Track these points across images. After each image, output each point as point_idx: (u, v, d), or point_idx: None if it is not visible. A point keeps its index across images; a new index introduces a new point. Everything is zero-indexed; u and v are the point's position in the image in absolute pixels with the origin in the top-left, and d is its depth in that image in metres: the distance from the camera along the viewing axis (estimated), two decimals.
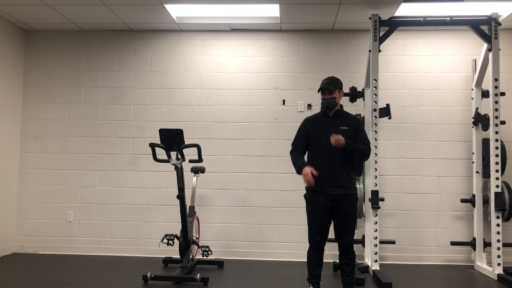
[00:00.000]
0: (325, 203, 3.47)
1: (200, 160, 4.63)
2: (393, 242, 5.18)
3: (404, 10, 4.98)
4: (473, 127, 5.26)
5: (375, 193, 4.66)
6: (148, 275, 4.25)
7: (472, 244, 5.14)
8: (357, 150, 3.48)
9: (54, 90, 5.80)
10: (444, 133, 5.48)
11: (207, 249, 4.92)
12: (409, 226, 5.42)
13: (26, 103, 5.80)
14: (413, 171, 5.47)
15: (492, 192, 4.69)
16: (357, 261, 4.21)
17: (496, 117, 4.68)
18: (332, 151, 3.48)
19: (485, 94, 5.15)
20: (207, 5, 4.99)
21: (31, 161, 5.74)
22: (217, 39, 5.74)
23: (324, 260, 3.57)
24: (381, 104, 4.92)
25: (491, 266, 4.71)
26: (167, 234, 4.87)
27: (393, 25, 4.85)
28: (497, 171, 4.67)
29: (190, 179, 5.08)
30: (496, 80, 4.71)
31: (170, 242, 4.80)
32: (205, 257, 5.00)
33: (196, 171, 5.04)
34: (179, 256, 4.76)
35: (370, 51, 4.89)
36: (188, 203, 4.81)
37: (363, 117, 5.19)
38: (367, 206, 4.94)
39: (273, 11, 5.09)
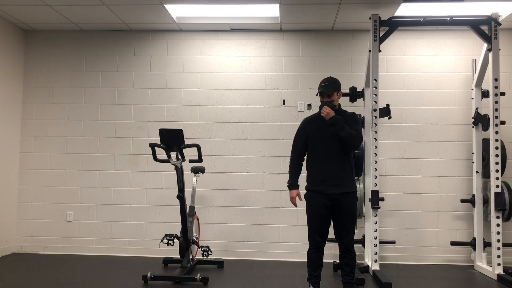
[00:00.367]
0: (325, 203, 3.47)
1: (200, 160, 4.63)
2: (393, 242, 5.18)
3: (404, 10, 4.98)
4: (473, 127, 5.26)
5: (375, 193, 4.66)
6: (148, 275, 4.25)
7: (472, 244, 5.14)
8: (347, 131, 3.44)
9: (54, 90, 5.80)
10: (444, 133, 5.48)
11: (207, 249, 4.92)
12: (409, 226, 5.42)
13: (26, 103, 5.80)
14: (413, 171, 5.47)
15: (492, 192, 4.69)
16: (357, 261, 4.20)
17: (496, 117, 4.68)
18: (331, 151, 3.49)
19: (485, 94, 5.15)
20: (207, 5, 4.99)
21: (31, 161, 5.74)
22: (217, 39, 5.74)
23: (324, 260, 3.57)
24: (381, 104, 4.92)
25: (491, 266, 4.71)
26: (167, 234, 4.87)
27: (393, 25, 4.85)
28: (497, 171, 4.67)
29: (190, 179, 5.08)
30: (496, 80, 4.71)
31: (170, 242, 4.80)
32: (205, 257, 5.00)
33: (196, 171, 5.04)
34: (179, 256, 4.76)
35: (370, 51, 4.89)
36: (188, 203, 4.81)
37: (363, 117, 5.19)
38: (367, 206, 4.95)
39: (273, 11, 5.09)
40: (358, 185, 5.05)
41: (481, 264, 4.99)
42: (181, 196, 4.52)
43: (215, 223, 5.56)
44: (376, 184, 4.68)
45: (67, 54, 5.82)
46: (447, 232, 5.39)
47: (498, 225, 4.63)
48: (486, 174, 5.08)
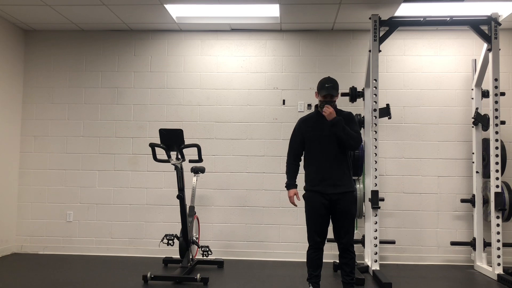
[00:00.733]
0: (323, 203, 3.47)
1: (200, 160, 4.63)
2: (393, 242, 5.18)
3: (404, 10, 4.98)
4: (473, 127, 5.26)
5: (375, 193, 4.66)
6: (148, 275, 4.25)
7: (472, 244, 5.14)
8: (348, 131, 3.43)
9: (54, 90, 5.80)
10: (444, 133, 5.48)
11: (207, 249, 4.92)
12: (409, 226, 5.42)
13: (26, 103, 5.80)
14: (413, 171, 5.47)
15: (492, 192, 4.69)
16: (357, 261, 4.21)
17: (496, 117, 4.67)
18: (328, 150, 3.48)
19: (485, 94, 5.15)
20: (207, 5, 4.99)
21: (31, 161, 5.74)
22: (217, 39, 5.74)
23: (324, 260, 3.57)
24: (381, 104, 4.92)
25: (491, 266, 4.71)
26: (167, 234, 4.87)
27: (393, 25, 4.85)
28: (497, 171, 4.67)
29: (190, 179, 5.08)
30: (496, 80, 4.71)
31: (170, 242, 4.80)
32: (205, 257, 5.00)
33: (196, 171, 5.04)
34: (179, 256, 4.76)
35: (370, 51, 4.89)
36: (188, 203, 4.81)
37: (363, 117, 5.19)
38: (367, 206, 4.95)
39: (273, 11, 5.09)
40: (358, 185, 5.06)
41: (481, 264, 4.99)
42: (181, 196, 4.52)
43: (215, 223, 5.56)
44: (376, 184, 4.68)
45: (67, 54, 5.82)
46: (447, 232, 5.39)
47: (498, 225, 4.63)
48: (486, 174, 5.08)
